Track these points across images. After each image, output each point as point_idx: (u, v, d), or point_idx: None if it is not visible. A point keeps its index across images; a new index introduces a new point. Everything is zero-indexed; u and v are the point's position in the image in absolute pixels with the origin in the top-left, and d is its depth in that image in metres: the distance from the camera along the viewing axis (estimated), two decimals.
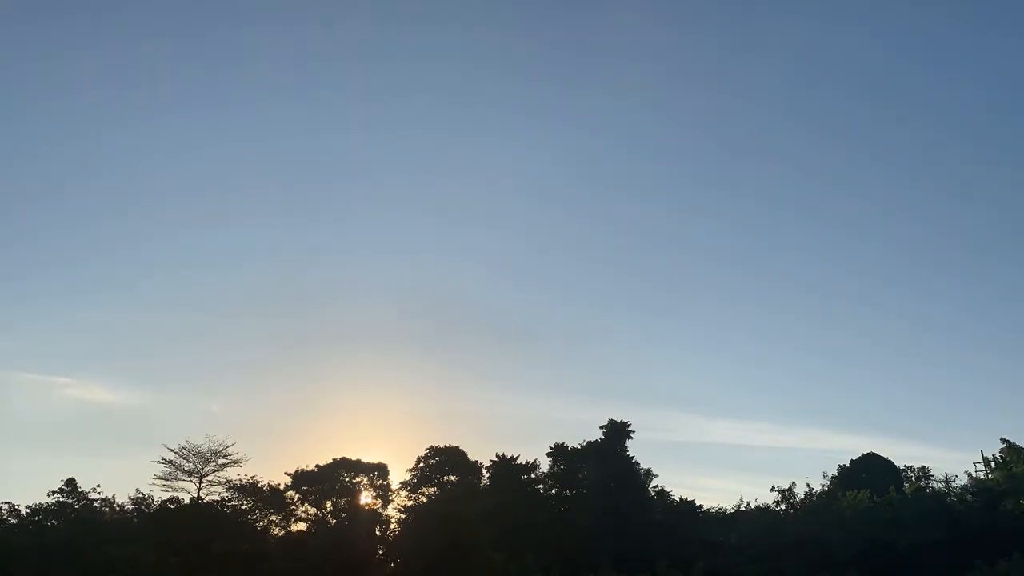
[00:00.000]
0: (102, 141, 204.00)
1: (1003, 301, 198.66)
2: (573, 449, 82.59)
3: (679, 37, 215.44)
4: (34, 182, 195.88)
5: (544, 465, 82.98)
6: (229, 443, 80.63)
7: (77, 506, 75.69)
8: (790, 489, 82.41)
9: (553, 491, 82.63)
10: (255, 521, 79.11)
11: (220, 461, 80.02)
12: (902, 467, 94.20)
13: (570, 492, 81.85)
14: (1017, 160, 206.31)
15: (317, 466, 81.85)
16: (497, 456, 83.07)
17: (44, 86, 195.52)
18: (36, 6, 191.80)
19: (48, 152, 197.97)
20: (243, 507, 79.36)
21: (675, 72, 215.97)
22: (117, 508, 77.99)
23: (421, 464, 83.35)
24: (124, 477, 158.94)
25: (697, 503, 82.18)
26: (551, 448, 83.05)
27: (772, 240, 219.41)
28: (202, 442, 79.98)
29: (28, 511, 74.17)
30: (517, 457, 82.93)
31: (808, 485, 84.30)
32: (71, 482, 76.58)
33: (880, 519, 73.38)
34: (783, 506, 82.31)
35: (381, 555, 79.69)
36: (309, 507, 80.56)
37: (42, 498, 74.83)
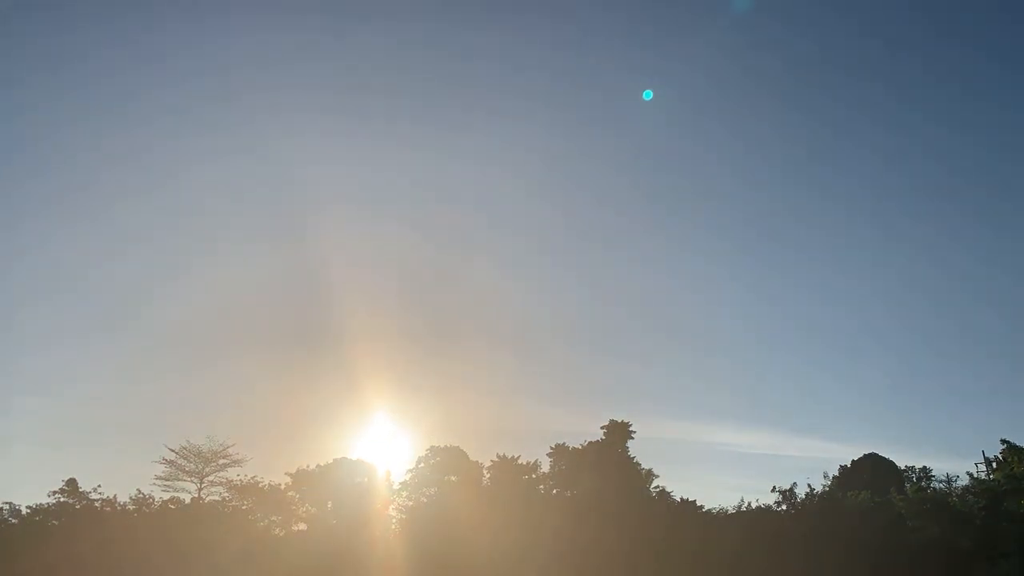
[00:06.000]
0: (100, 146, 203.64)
1: (1003, 301, 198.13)
2: (574, 449, 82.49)
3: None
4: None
5: (545, 465, 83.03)
6: (229, 443, 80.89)
7: (78, 506, 75.58)
8: (791, 489, 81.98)
9: (554, 491, 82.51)
10: (255, 521, 79.09)
11: (221, 461, 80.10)
12: (903, 467, 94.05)
13: (571, 493, 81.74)
14: (1015, 161, 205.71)
15: (317, 466, 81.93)
16: (498, 456, 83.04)
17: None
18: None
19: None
20: (243, 507, 79.33)
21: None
22: (118, 508, 77.93)
23: (421, 464, 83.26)
24: (120, 475, 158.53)
25: (698, 503, 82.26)
26: (552, 448, 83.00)
27: (773, 243, 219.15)
28: (203, 442, 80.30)
29: (28, 511, 74.11)
30: (518, 457, 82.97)
31: (809, 486, 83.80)
32: (71, 482, 76.34)
33: (881, 519, 73.26)
34: (784, 506, 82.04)
35: (381, 555, 79.52)
36: (309, 507, 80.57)
37: (42, 498, 75.01)
